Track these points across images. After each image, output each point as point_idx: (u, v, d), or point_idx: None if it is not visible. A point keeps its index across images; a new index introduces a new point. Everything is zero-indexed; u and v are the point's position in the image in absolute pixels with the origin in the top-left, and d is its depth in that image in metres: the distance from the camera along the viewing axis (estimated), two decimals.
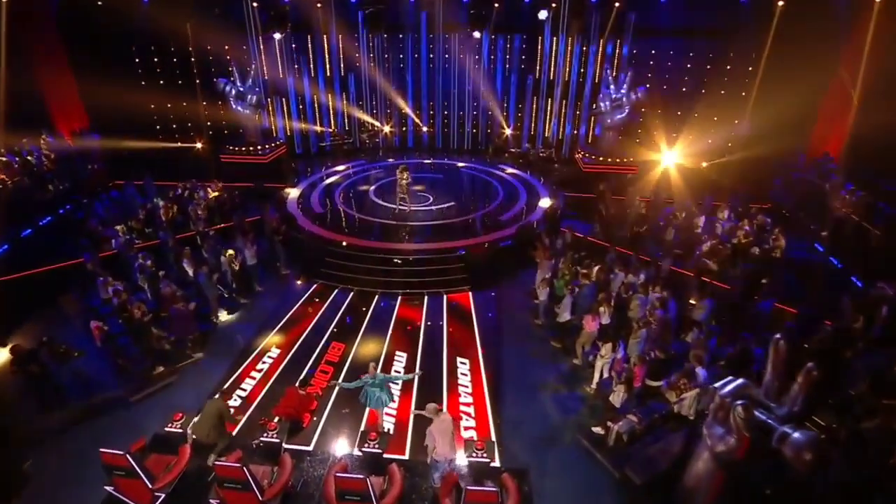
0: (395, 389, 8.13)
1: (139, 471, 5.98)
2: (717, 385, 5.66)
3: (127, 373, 8.97)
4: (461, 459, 6.78)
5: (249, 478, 5.94)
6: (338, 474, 5.85)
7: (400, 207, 14.78)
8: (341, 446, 7.77)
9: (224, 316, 11.13)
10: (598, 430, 8.04)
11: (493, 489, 5.89)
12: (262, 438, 6.95)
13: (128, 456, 5.88)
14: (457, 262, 12.61)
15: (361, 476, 5.91)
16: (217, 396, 7.20)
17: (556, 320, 10.61)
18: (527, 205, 15.61)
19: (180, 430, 6.89)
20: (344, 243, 12.81)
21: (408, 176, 14.57)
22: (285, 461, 6.67)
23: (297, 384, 8.11)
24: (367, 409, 7.82)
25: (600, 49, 18.64)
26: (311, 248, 13.25)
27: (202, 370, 9.45)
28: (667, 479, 6.58)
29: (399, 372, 9.40)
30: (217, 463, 5.95)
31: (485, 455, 6.76)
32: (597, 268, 10.99)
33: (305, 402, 7.92)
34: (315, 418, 8.32)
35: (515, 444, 7.94)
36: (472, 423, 8.31)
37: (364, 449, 6.86)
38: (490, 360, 9.78)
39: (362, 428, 7.99)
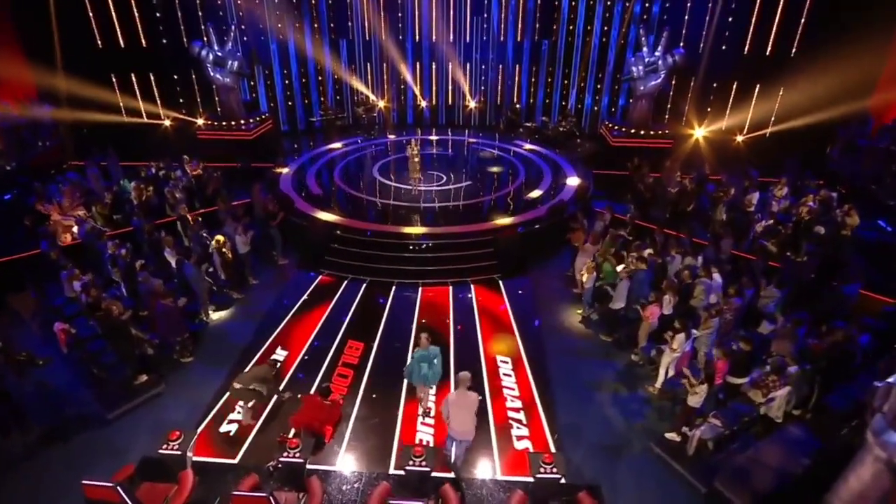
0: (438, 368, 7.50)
1: None
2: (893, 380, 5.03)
3: (103, 384, 8.09)
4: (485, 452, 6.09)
5: None
6: (392, 500, 5.11)
7: (417, 188, 14.02)
8: (374, 464, 7.03)
9: (215, 313, 10.32)
10: (672, 436, 7.46)
11: None
12: (281, 459, 6.19)
13: (119, 489, 5.07)
14: (484, 248, 11.90)
15: (418, 501, 5.19)
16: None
17: (603, 310, 10.03)
18: (553, 183, 14.96)
19: (179, 452, 6.06)
20: (369, 232, 11.96)
21: (419, 152, 13.80)
22: (314, 486, 5.93)
23: (317, 392, 7.30)
24: (402, 408, 7.05)
25: (628, 7, 17.95)
26: (314, 234, 12.39)
27: (194, 378, 8.62)
28: (774, 496, 6.00)
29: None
30: (235, 494, 5.17)
31: (554, 470, 6.10)
32: (648, 251, 10.39)
33: (330, 412, 7.16)
34: (337, 431, 7.55)
35: (577, 454, 7.32)
36: (524, 430, 7.65)
37: (409, 467, 6.13)
38: (534, 359, 9.13)
39: (396, 438, 7.27)
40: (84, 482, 5.11)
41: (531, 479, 6.27)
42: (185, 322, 8.93)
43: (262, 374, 7.45)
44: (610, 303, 9.77)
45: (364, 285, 11.25)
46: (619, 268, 9.88)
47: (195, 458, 6.52)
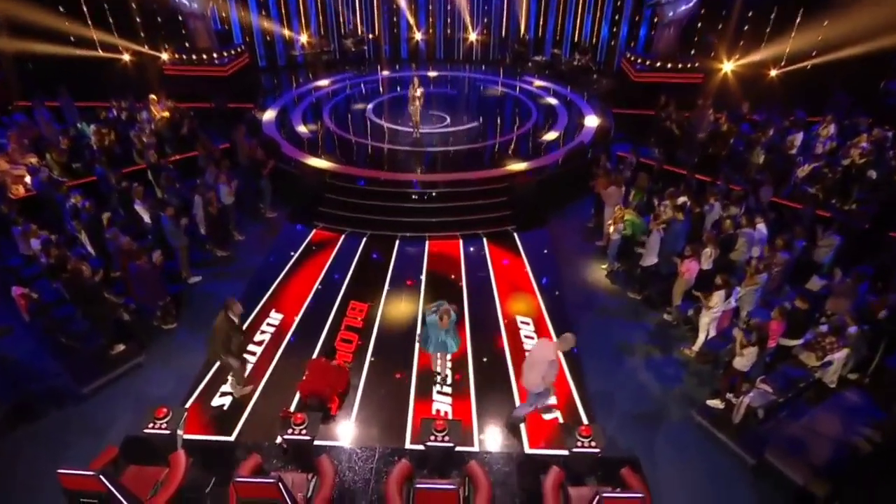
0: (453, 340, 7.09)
1: (120, 497, 4.73)
2: None
3: (74, 355, 7.55)
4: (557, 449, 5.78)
5: (286, 496, 4.78)
6: (420, 485, 4.72)
7: (418, 131, 13.17)
8: (389, 438, 6.65)
9: (198, 274, 9.72)
10: (715, 403, 7.15)
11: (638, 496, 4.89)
12: (286, 436, 5.77)
13: (102, 478, 4.61)
14: (496, 197, 11.26)
15: (450, 485, 4.81)
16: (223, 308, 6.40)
17: (631, 265, 9.59)
18: (570, 124, 14.13)
19: (167, 432, 5.60)
20: (361, 181, 11.23)
21: (422, 93, 12.84)
22: (325, 466, 5.53)
23: (321, 354, 6.79)
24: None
25: None
26: (305, 183, 11.61)
27: (179, 346, 8.09)
28: (831, 468, 5.72)
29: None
30: (238, 480, 4.73)
31: (593, 444, 5.75)
32: (682, 198, 9.79)
33: (338, 375, 6.70)
34: (345, 403, 7.15)
35: (610, 424, 7.00)
36: (552, 399, 7.26)
37: (430, 443, 5.75)
38: (557, 319, 8.69)
39: (411, 410, 6.89)
40: (61, 472, 4.63)
41: (564, 453, 6.03)
42: (165, 284, 8.29)
43: (218, 328, 6.61)
44: (639, 257, 9.26)
45: (364, 239, 10.63)
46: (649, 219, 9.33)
47: (186, 437, 6.08)
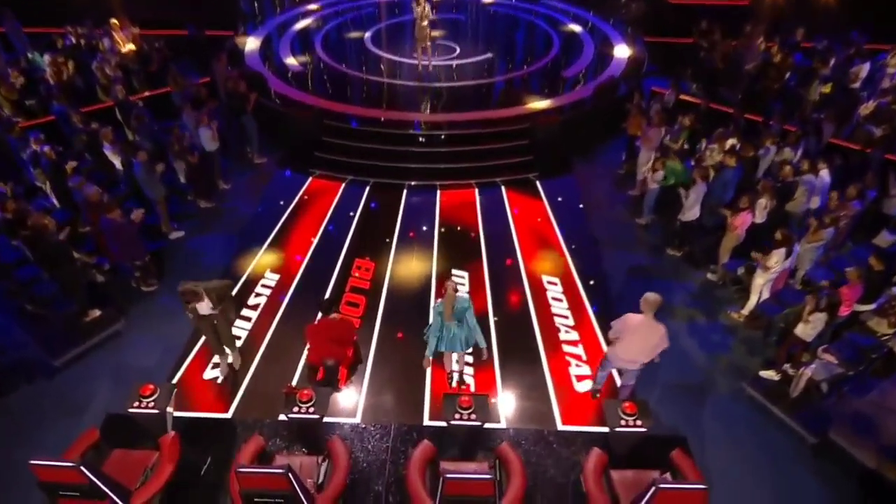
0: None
1: (105, 489, 4.39)
2: None
3: (42, 323, 7.09)
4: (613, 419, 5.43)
5: (297, 488, 4.46)
6: (451, 475, 4.38)
7: (424, 62, 12.26)
8: (405, 414, 6.33)
9: (180, 228, 9.21)
10: (769, 375, 6.81)
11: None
12: (291, 415, 5.42)
13: (83, 470, 4.25)
14: (516, 140, 10.62)
15: (485, 474, 4.48)
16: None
17: (669, 218, 9.08)
18: (597, 55, 13.23)
19: (156, 411, 5.24)
20: (353, 122, 10.51)
21: (429, 11, 11.81)
22: (337, 450, 5.21)
23: (324, 312, 6.29)
24: (429, 357, 6.12)
25: None
26: (298, 124, 10.89)
27: (162, 310, 7.63)
28: None
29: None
30: (242, 471, 4.39)
31: (638, 423, 5.42)
32: (731, 141, 9.16)
33: (342, 329, 6.24)
34: (354, 373, 6.80)
35: (651, 398, 6.67)
36: (584, 369, 6.96)
37: (455, 421, 5.40)
38: (588, 279, 8.29)
39: (428, 381, 6.54)
40: (34, 462, 4.26)
41: (601, 430, 5.87)
42: (143, 240, 7.76)
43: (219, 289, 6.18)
44: (678, 209, 8.70)
45: (367, 189, 10.07)
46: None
47: (177, 414, 5.73)
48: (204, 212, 9.65)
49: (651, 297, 5.58)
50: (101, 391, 6.44)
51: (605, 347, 6.50)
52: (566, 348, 7.22)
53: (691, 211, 8.43)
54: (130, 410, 5.30)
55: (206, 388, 6.54)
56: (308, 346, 6.43)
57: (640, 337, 5.68)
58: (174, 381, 6.51)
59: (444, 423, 5.47)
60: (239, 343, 6.99)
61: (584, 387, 6.72)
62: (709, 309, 7.98)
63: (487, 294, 7.96)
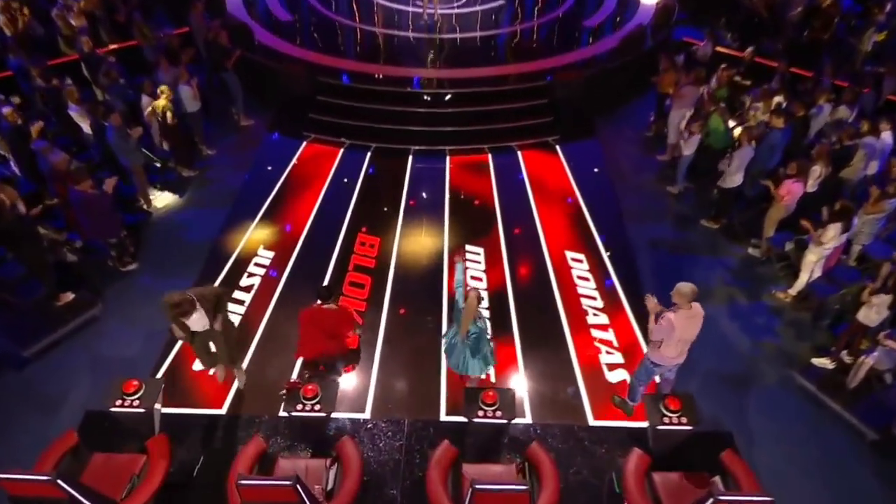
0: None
1: (86, 502, 4.09)
2: None
3: (10, 309, 6.71)
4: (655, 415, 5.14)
5: (306, 500, 4.16)
6: (481, 486, 4.07)
7: (427, 11, 11.66)
8: (418, 408, 6.04)
9: (161, 199, 8.80)
10: (823, 362, 6.52)
11: None
12: (295, 413, 5.11)
13: (60, 483, 3.93)
14: (533, 99, 10.12)
15: (520, 485, 4.18)
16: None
17: (705, 187, 8.76)
18: (621, 2, 12.69)
19: (142, 411, 4.94)
20: (345, 77, 9.98)
21: None
22: (348, 451, 4.91)
23: (323, 300, 5.88)
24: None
25: None
26: (289, 81, 10.41)
27: (141, 292, 7.24)
28: None
29: (480, 279, 7.51)
30: (242, 483, 4.07)
31: (683, 420, 5.12)
32: (777, 98, 8.66)
33: (345, 323, 5.84)
34: (359, 363, 6.50)
35: (690, 387, 6.37)
36: (616, 356, 6.65)
37: (478, 419, 5.11)
38: (617, 255, 7.96)
39: (443, 372, 6.22)
40: (2, 477, 3.94)
41: (637, 425, 5.69)
42: (118, 214, 7.34)
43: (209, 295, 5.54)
44: (716, 176, 8.32)
45: (369, 154, 9.63)
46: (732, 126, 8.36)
47: (165, 411, 5.42)
48: (187, 181, 9.23)
49: (684, 288, 5.17)
50: (78, 385, 6.12)
51: (643, 346, 6.04)
52: (595, 333, 6.91)
53: (734, 177, 8.02)
54: (113, 410, 5.00)
55: (196, 380, 6.23)
56: (300, 335, 6.03)
57: (683, 332, 5.30)
58: (160, 373, 6.19)
59: (463, 418, 5.24)
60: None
61: (616, 377, 6.43)
62: (751, 288, 7.67)
63: (505, 271, 7.63)
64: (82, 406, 5.73)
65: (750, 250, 8.12)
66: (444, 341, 5.68)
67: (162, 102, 8.38)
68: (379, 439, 5.75)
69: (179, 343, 6.47)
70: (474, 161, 9.61)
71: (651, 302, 5.43)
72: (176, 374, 6.23)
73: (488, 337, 5.51)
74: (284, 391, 5.44)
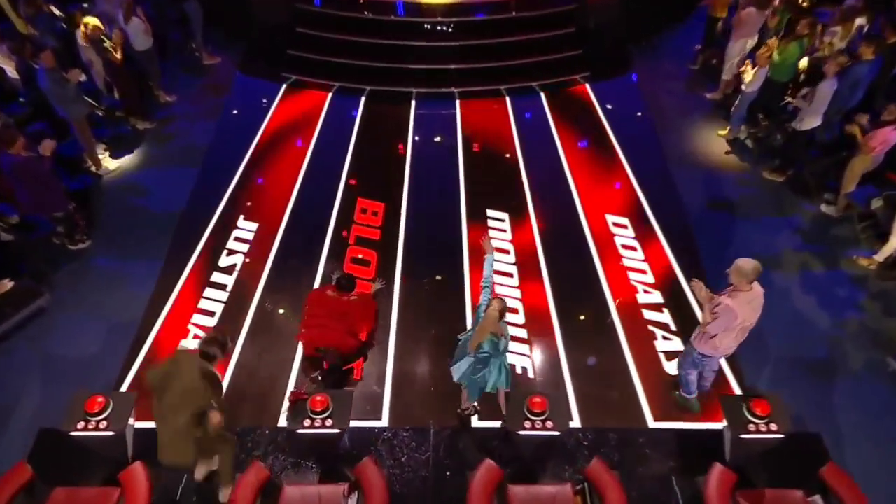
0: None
1: None
2: None
3: None
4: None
5: None
6: None
7: None
8: (444, 413, 5.57)
9: (113, 158, 8.17)
10: None
11: None
12: (302, 430, 4.67)
13: None
14: (559, 28, 9.47)
15: None
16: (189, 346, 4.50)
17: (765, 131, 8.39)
18: None
19: (111, 434, 4.54)
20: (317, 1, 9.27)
21: None
22: (369, 475, 4.46)
23: (341, 291, 5.49)
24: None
25: None
26: (264, 8, 9.70)
27: (97, 275, 6.75)
28: None
29: (506, 251, 7.05)
30: None
31: (773, 427, 4.75)
32: (859, 20, 8.09)
33: (367, 313, 5.58)
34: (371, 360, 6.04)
35: (760, 380, 5.99)
36: (675, 342, 6.22)
37: (525, 432, 4.70)
38: (666, 218, 7.49)
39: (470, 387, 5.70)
40: None
41: (704, 426, 5.38)
42: (60, 181, 6.70)
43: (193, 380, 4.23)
44: (779, 118, 8.00)
45: (363, 99, 9.03)
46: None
47: (139, 425, 4.94)
48: (144, 135, 8.64)
49: (746, 265, 4.66)
50: (27, 395, 5.60)
51: (696, 341, 5.44)
52: (648, 315, 6.48)
53: (812, 118, 7.54)
54: (74, 434, 4.50)
55: None
56: (305, 317, 5.57)
57: (746, 319, 4.84)
58: (129, 377, 5.67)
59: (498, 423, 5.07)
60: (213, 323, 6.08)
61: (675, 367, 5.94)
62: (827, 254, 7.26)
63: (536, 241, 7.13)
64: (33, 423, 5.20)
65: (823, 207, 7.70)
66: (466, 377, 5.08)
67: (92, 21, 7.71)
68: (400, 452, 5.33)
69: (151, 338, 5.93)
70: (489, 106, 9.10)
71: (700, 289, 4.92)
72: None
73: (504, 361, 4.88)
74: (288, 401, 4.95)
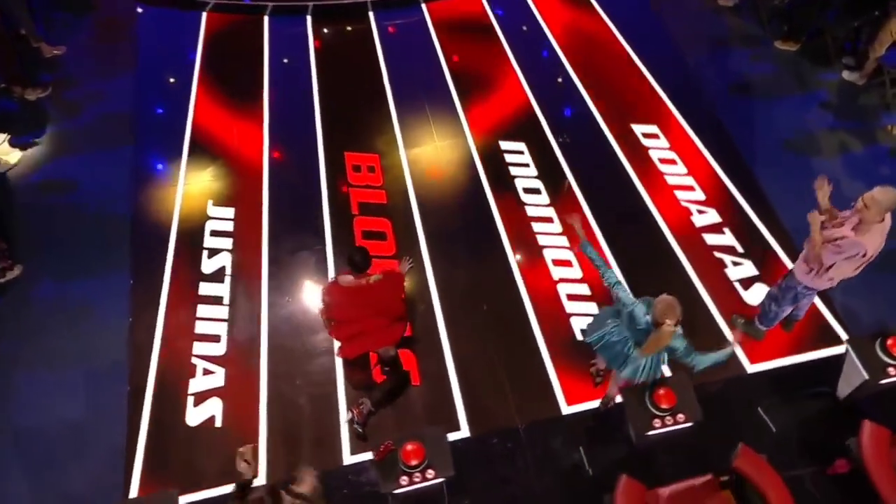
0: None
1: None
2: None
3: None
4: None
5: None
6: None
7: None
8: (529, 408, 4.64)
9: (10, 147, 6.19)
10: None
11: None
12: (399, 491, 3.79)
13: None
14: None
15: None
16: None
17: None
18: None
19: None
20: None
21: None
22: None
23: (359, 271, 4.15)
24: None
25: None
26: None
27: (45, 314, 5.12)
28: None
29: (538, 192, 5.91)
30: None
31: None
32: None
33: (394, 287, 4.36)
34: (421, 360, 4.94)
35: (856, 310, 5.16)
36: (745, 266, 5.42)
37: (655, 431, 3.97)
38: (697, 116, 6.51)
39: (544, 361, 4.88)
40: None
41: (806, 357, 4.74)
42: None
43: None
44: None
45: (309, 18, 7.18)
46: None
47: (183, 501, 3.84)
48: (39, 109, 6.49)
49: (885, 196, 3.84)
50: (14, 498, 4.24)
51: (805, 275, 4.57)
52: (708, 239, 5.60)
53: None
54: None
55: (197, 442, 4.42)
56: (329, 329, 4.35)
57: (875, 251, 4.13)
58: (141, 446, 4.36)
59: (594, 405, 4.42)
60: (222, 349, 4.76)
61: (754, 296, 5.22)
62: (860, 127, 6.51)
63: (566, 171, 6.00)
64: None
65: (845, 75, 6.90)
66: (594, 334, 4.08)
67: None
68: (499, 464, 4.41)
69: (151, 386, 4.59)
70: (463, 6, 7.46)
71: (816, 223, 4.07)
72: (166, 438, 4.41)
73: (663, 354, 3.97)
74: (374, 457, 3.88)
